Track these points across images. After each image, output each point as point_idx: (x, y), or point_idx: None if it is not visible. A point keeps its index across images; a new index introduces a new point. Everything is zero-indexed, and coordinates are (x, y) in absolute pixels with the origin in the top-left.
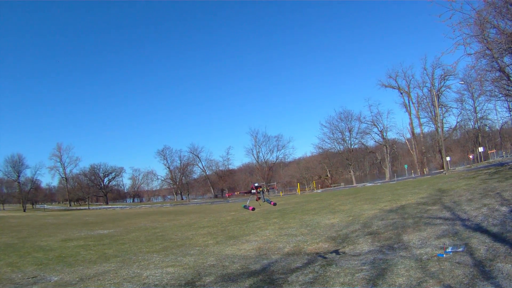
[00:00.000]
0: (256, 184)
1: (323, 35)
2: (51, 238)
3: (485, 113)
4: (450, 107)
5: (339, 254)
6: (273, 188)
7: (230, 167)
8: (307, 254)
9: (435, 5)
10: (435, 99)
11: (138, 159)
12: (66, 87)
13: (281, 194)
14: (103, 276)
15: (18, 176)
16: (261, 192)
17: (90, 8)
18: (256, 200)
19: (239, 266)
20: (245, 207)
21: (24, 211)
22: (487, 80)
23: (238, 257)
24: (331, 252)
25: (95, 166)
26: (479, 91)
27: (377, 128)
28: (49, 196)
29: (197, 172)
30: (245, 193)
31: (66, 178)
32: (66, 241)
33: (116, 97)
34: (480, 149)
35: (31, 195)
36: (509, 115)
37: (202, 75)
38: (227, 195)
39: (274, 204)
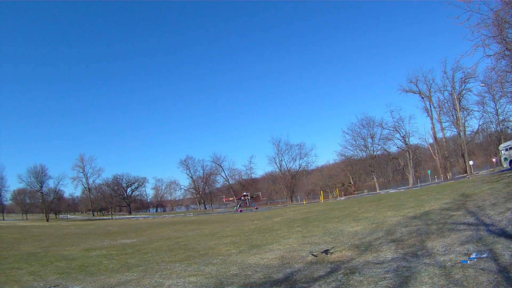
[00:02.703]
0: (245, 193)
1: (343, 42)
2: (73, 248)
3: (507, 115)
4: (472, 110)
5: (328, 254)
6: (258, 196)
7: (253, 176)
8: (330, 263)
9: (452, 7)
10: (457, 102)
11: (161, 169)
12: (88, 97)
13: (304, 202)
14: (125, 285)
15: (41, 187)
16: (247, 199)
17: (116, 14)
18: (244, 205)
19: (262, 275)
20: (236, 209)
21: (47, 221)
22: (508, 82)
23: (261, 266)
24: (321, 252)
25: (118, 177)
26: (500, 93)
27: (399, 133)
28: (72, 206)
29: (220, 181)
30: (238, 199)
31: (89, 188)
32: (89, 250)
33: (138, 107)
34: None
35: (54, 205)
36: None
37: (223, 84)
38: (224, 199)
39: (256, 208)
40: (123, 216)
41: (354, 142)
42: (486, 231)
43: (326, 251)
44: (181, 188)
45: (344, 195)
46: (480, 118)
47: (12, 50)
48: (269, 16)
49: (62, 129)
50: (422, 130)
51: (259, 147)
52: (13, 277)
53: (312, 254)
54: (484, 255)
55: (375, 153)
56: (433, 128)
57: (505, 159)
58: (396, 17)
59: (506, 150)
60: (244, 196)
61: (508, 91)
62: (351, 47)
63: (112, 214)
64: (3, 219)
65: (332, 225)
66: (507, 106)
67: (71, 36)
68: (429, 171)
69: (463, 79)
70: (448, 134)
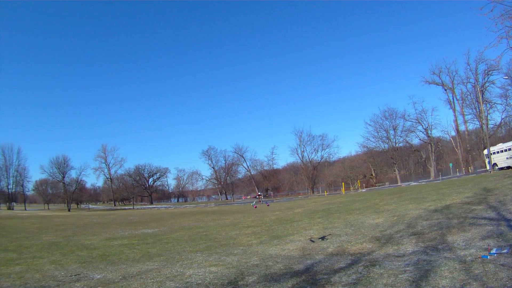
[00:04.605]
0: (259, 193)
1: (367, 33)
2: (95, 237)
3: None
4: (495, 103)
5: (324, 240)
6: (271, 195)
7: (275, 166)
8: (351, 255)
9: None
10: (479, 95)
11: (183, 160)
12: (110, 88)
13: (325, 193)
14: (146, 274)
15: (63, 177)
16: (261, 197)
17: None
18: (258, 202)
19: (282, 266)
20: (253, 205)
21: (69, 210)
22: None
23: (282, 257)
24: (319, 238)
25: (140, 167)
26: None
27: (422, 126)
28: (94, 196)
29: (241, 172)
30: (254, 197)
31: (111, 178)
32: (110, 240)
33: (160, 97)
34: None
35: (76, 195)
36: None
37: (246, 75)
38: (243, 197)
39: (268, 205)
40: (144, 206)
41: (376, 134)
42: (507, 226)
43: (322, 238)
44: (202, 179)
45: (365, 187)
46: (503, 111)
47: (32, 40)
48: (292, 7)
49: (85, 120)
50: (444, 123)
51: (281, 138)
52: (34, 266)
53: (311, 240)
54: (505, 251)
55: (397, 145)
56: (455, 120)
57: (489, 162)
58: (420, 8)
59: (492, 154)
60: (259, 195)
61: None
62: (375, 39)
63: (133, 204)
64: (25, 209)
65: (353, 217)
66: None
67: (93, 24)
68: (450, 164)
69: (486, 71)
70: (471, 127)
